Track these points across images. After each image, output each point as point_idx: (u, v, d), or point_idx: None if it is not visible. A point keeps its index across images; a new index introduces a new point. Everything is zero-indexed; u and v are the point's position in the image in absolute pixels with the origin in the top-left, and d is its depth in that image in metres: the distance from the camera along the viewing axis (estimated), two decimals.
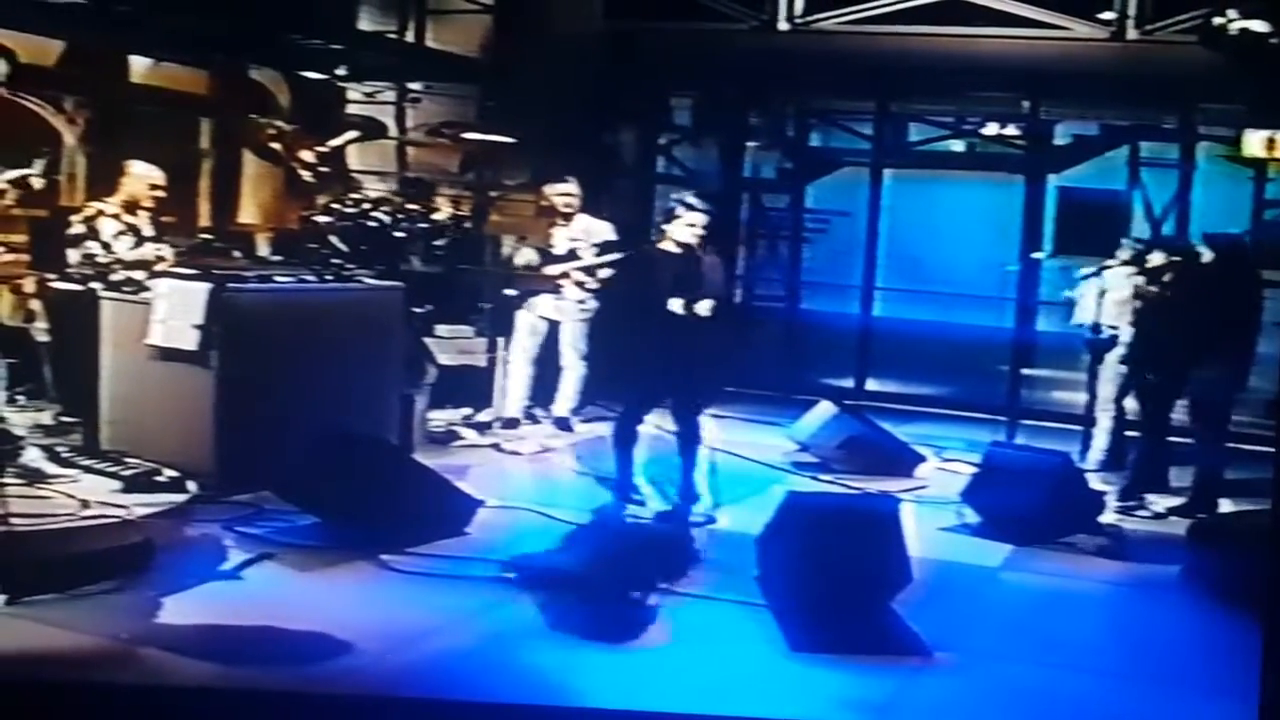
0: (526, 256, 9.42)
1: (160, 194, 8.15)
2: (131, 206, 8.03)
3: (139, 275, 7.65)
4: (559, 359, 9.50)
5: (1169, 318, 8.11)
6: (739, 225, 12.98)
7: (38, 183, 7.33)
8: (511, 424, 9.32)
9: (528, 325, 9.44)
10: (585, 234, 9.39)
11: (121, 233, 7.88)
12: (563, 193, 9.38)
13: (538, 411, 9.60)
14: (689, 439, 7.42)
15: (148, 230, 8.08)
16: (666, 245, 7.31)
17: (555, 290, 9.36)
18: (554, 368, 9.54)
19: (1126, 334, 8.68)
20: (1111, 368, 8.82)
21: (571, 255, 9.33)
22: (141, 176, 8.10)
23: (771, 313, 12.94)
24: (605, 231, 9.44)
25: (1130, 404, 8.77)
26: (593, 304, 9.43)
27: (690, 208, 7.28)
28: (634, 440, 7.49)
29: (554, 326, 9.47)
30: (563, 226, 9.40)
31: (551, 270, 9.32)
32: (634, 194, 12.62)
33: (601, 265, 9.24)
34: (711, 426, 7.67)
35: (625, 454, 7.48)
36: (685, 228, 7.25)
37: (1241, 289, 7.87)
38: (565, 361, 9.49)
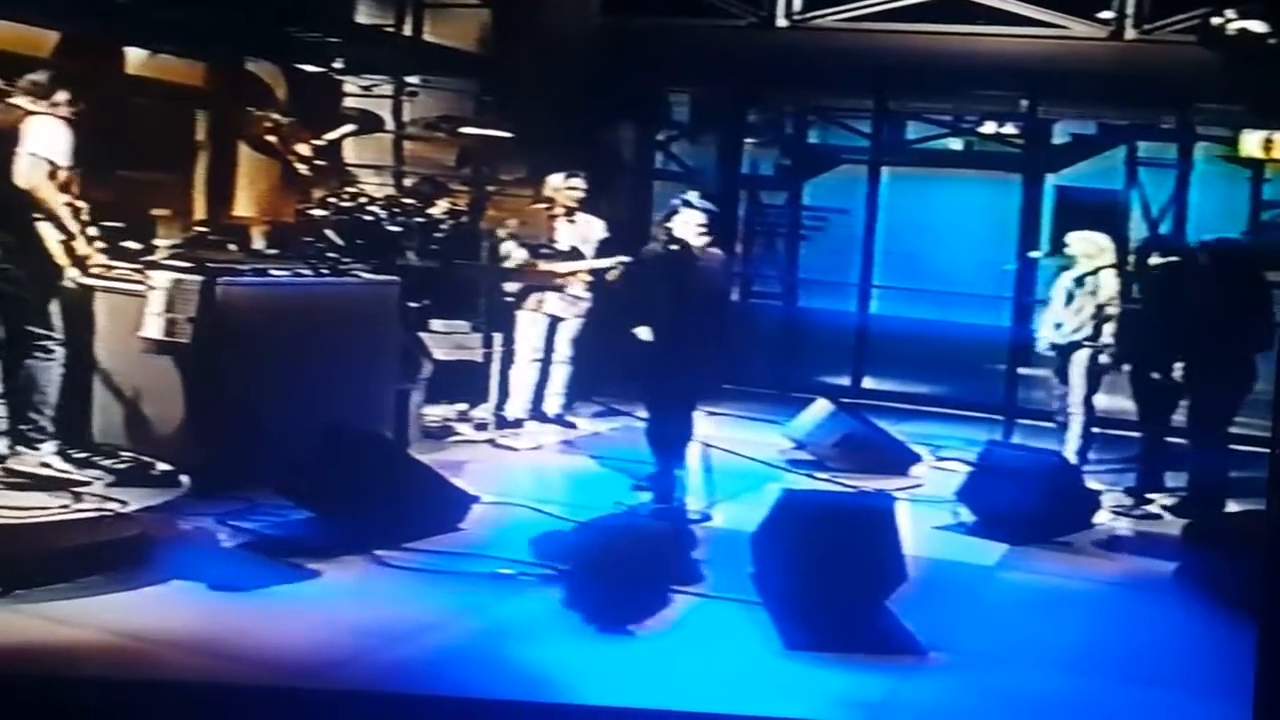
0: (526, 253, 9.31)
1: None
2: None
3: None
4: (553, 355, 9.46)
5: (1168, 318, 8.07)
6: (737, 222, 12.96)
7: None
8: (515, 424, 9.27)
9: (531, 322, 9.38)
10: (588, 230, 9.36)
11: None
12: (568, 187, 9.33)
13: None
14: (681, 435, 7.41)
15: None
16: (667, 244, 7.32)
17: (560, 287, 9.30)
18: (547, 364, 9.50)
19: (1106, 335, 8.58)
20: (1082, 367, 8.71)
21: (575, 252, 9.29)
22: None
23: (769, 310, 12.93)
24: (603, 229, 9.40)
25: (1124, 404, 8.73)
26: (592, 301, 9.39)
27: (691, 206, 7.31)
28: (666, 440, 7.46)
29: (554, 323, 9.43)
30: (566, 222, 9.36)
31: (557, 267, 9.27)
32: (632, 190, 12.59)
33: (607, 263, 9.20)
34: (705, 423, 7.66)
35: (660, 454, 7.44)
36: (685, 226, 7.26)
37: (1245, 291, 7.83)
38: (559, 357, 9.46)
